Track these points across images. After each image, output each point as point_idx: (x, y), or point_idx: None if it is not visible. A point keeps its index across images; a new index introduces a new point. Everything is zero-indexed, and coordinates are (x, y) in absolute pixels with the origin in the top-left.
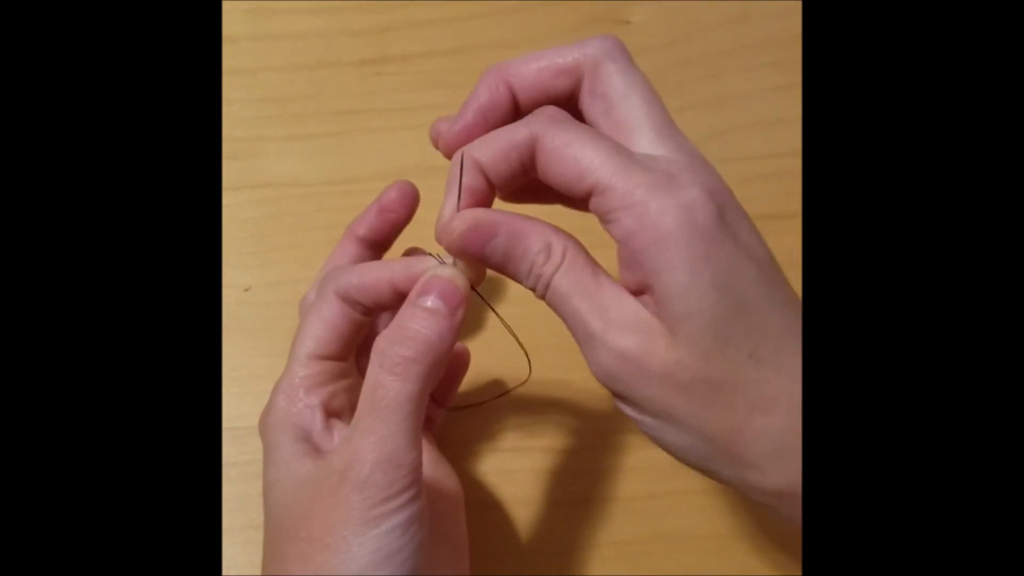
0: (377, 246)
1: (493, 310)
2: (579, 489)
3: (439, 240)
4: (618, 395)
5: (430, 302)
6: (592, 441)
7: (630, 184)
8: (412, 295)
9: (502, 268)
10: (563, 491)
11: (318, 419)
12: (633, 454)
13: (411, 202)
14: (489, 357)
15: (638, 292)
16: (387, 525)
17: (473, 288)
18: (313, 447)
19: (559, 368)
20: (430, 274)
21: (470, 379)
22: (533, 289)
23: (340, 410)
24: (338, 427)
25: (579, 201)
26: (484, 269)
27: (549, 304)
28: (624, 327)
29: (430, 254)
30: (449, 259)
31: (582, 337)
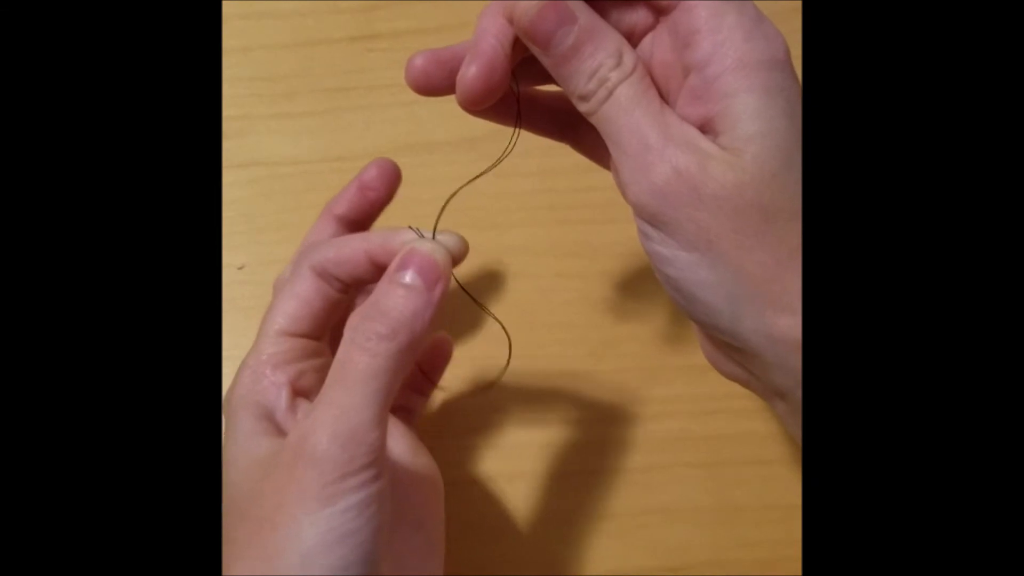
0: (356, 225)
1: (469, 294)
2: (575, 462)
3: (487, 20)
4: (659, 221)
5: (408, 277)
6: (582, 416)
7: (721, 7)
8: (390, 269)
9: (562, 62)
10: (559, 464)
11: (283, 397)
12: (629, 428)
13: (392, 180)
14: (477, 338)
15: (700, 128)
16: (342, 504)
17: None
18: (275, 426)
19: (550, 344)
20: (408, 247)
21: (461, 361)
22: (587, 97)
23: (308, 389)
24: (303, 407)
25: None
26: (466, 246)
27: (602, 118)
28: (685, 144)
29: (410, 227)
30: (428, 232)
31: (637, 150)
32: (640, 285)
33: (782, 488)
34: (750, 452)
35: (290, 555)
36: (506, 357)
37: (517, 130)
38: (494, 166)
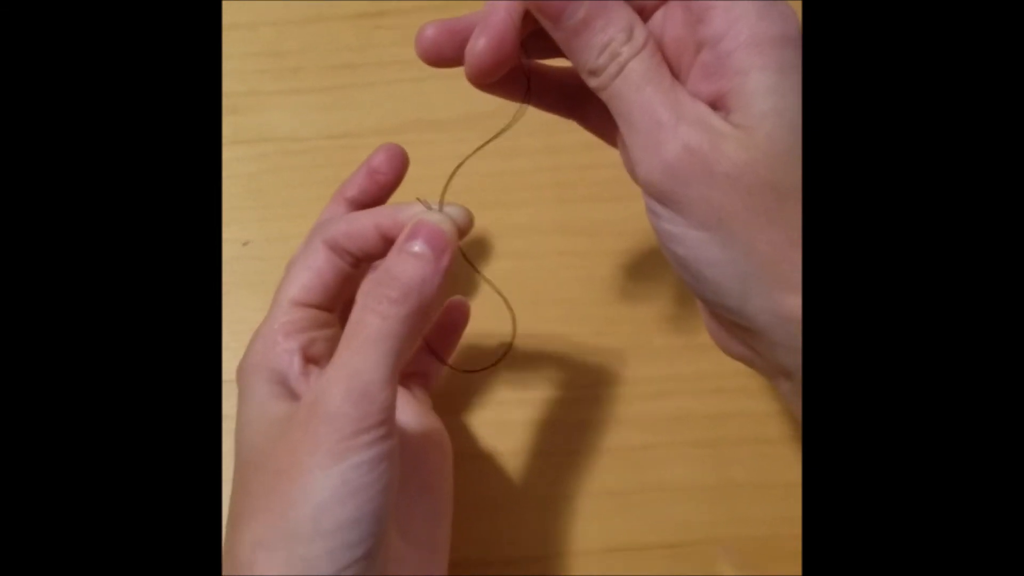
0: (366, 208)
1: (472, 265)
2: (572, 440)
3: None
4: (669, 199)
5: (417, 246)
6: (585, 394)
7: None
8: (400, 239)
9: (573, 37)
10: (556, 442)
11: (295, 363)
12: (626, 406)
13: (400, 164)
14: (481, 314)
15: (711, 105)
16: (355, 459)
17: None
18: (288, 390)
19: (554, 322)
20: (417, 219)
21: (463, 337)
22: (597, 72)
23: (319, 357)
24: (315, 372)
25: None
26: (471, 218)
27: (612, 94)
28: (697, 122)
29: (418, 199)
30: (435, 205)
31: (648, 127)
32: (644, 263)
33: (781, 466)
34: (750, 430)
35: (304, 507)
36: (510, 333)
37: (524, 103)
38: (500, 134)
